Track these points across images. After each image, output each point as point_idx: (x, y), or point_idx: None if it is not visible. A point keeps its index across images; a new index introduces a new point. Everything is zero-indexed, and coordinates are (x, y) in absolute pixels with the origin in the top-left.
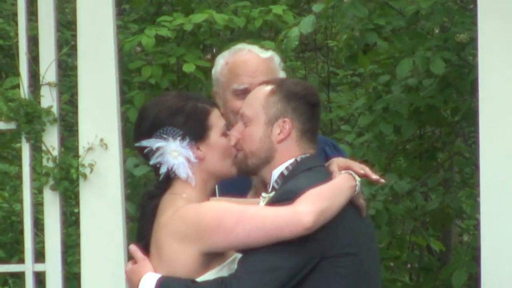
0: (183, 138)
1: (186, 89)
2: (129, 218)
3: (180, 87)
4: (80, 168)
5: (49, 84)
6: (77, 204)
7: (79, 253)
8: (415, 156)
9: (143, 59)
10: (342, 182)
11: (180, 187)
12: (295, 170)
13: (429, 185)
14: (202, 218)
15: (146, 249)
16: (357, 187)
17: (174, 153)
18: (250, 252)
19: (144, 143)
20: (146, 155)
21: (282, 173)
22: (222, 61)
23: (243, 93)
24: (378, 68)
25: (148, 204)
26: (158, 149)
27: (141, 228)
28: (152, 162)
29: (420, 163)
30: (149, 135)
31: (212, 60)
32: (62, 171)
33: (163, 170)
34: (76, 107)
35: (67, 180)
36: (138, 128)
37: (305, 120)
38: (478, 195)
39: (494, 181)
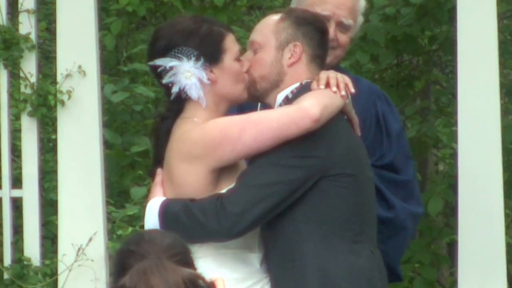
0: (197, 59)
1: (163, 17)
2: (106, 145)
3: (157, 15)
4: (58, 95)
5: (27, 11)
6: (55, 130)
7: (56, 180)
8: (392, 84)
9: None
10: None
11: (191, 110)
12: (300, 93)
13: (406, 114)
14: (206, 133)
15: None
16: (348, 96)
17: (187, 73)
18: (249, 168)
19: (158, 62)
20: (159, 74)
21: (286, 97)
22: None
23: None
24: None
25: (160, 127)
26: (171, 68)
27: (156, 152)
28: (165, 81)
29: (397, 92)
30: (163, 54)
31: None
32: (40, 97)
33: (175, 89)
34: (54, 34)
35: (45, 106)
36: (153, 47)
37: (315, 46)
38: (455, 124)
39: (471, 110)
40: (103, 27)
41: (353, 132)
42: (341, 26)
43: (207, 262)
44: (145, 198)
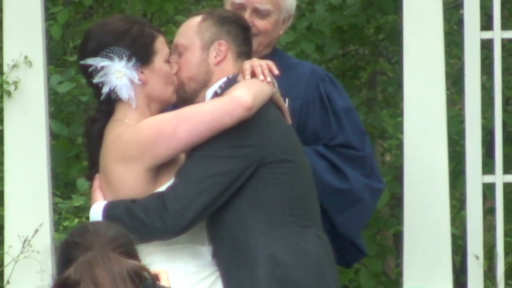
0: (129, 59)
1: (110, 7)
2: (53, 136)
3: (104, 5)
4: (4, 85)
5: None
6: (1, 121)
7: (2, 171)
8: (338, 75)
9: None
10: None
11: (122, 111)
12: (228, 87)
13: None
14: (140, 132)
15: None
16: (274, 83)
17: (118, 73)
18: (186, 162)
19: (89, 61)
20: (89, 74)
21: (215, 92)
22: None
23: (239, 8)
24: None
25: (91, 129)
26: (102, 68)
27: (90, 156)
28: (95, 80)
29: (343, 82)
30: (94, 54)
31: None
32: None
33: (105, 90)
34: (1, 24)
35: None
36: (84, 46)
37: (239, 43)
38: (401, 114)
39: (417, 100)
40: (49, 17)
41: (284, 119)
42: (257, 12)
43: (159, 257)
44: (91, 189)
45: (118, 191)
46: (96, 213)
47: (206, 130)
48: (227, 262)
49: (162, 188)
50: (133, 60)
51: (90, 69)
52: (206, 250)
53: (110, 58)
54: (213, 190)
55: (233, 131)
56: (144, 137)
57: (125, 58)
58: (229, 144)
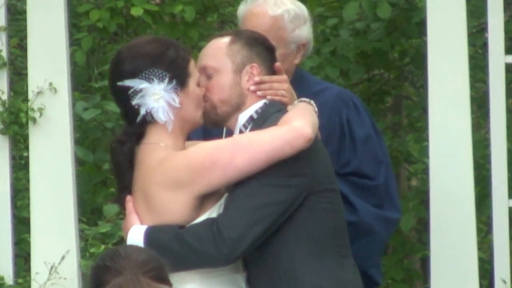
0: (169, 81)
1: (134, 33)
2: (78, 162)
3: (129, 31)
4: (30, 112)
5: None
6: (27, 148)
7: (28, 197)
8: (363, 99)
9: (91, 2)
10: (304, 105)
11: (156, 134)
12: (265, 112)
13: None
14: (193, 159)
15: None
16: (315, 109)
17: (155, 96)
18: (239, 190)
19: (128, 82)
20: (123, 96)
21: (251, 116)
22: (241, 6)
23: None
24: (326, 11)
25: (119, 152)
26: (141, 90)
27: (120, 179)
28: (134, 102)
29: (368, 107)
30: (131, 76)
31: (161, 4)
32: (12, 115)
33: (142, 112)
34: (25, 51)
35: (17, 124)
36: (117, 69)
37: (269, 65)
38: (426, 138)
39: (442, 124)
40: (73, 43)
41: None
42: None
43: (194, 285)
44: (118, 215)
45: (160, 216)
46: (135, 236)
47: (265, 160)
48: None
49: (205, 215)
50: (173, 82)
51: (130, 91)
52: (240, 278)
53: (149, 80)
54: (268, 219)
55: (288, 160)
56: (197, 163)
57: (165, 81)
58: (283, 173)
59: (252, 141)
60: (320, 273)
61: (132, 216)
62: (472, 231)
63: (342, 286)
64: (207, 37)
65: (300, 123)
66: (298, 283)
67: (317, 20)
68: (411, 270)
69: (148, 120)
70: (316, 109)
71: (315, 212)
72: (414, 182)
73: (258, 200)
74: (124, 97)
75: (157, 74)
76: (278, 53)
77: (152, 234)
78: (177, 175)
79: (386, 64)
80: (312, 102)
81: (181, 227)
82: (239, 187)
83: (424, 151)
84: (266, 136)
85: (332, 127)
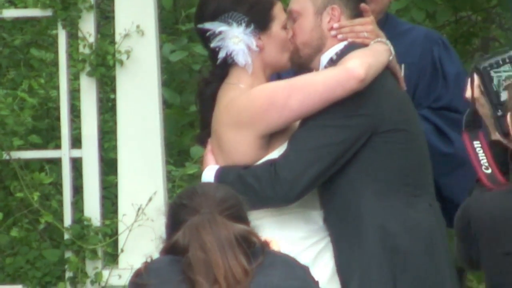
0: (248, 25)
1: None
2: (165, 104)
3: None
4: (117, 55)
5: None
6: (114, 90)
7: (115, 139)
8: (450, 41)
9: None
10: (377, 45)
11: (237, 76)
12: (343, 54)
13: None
14: (253, 100)
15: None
16: (391, 50)
17: (235, 39)
18: (298, 131)
19: (207, 25)
20: (206, 38)
21: (331, 58)
22: None
23: None
24: None
25: (204, 91)
26: (220, 33)
27: (202, 118)
28: (212, 45)
29: (456, 48)
30: (212, 18)
31: None
32: (99, 57)
33: (221, 54)
34: None
35: (104, 66)
36: (201, 11)
37: (352, 7)
38: None
39: None
40: None
41: (399, 86)
42: None
43: (269, 222)
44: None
45: (230, 156)
46: (208, 177)
47: (318, 101)
48: (337, 230)
49: (274, 153)
50: (252, 26)
51: (208, 33)
52: (318, 215)
53: (229, 24)
54: (324, 160)
55: (346, 101)
56: (256, 105)
57: (243, 24)
58: (342, 113)
59: (307, 83)
60: (384, 214)
61: (208, 157)
62: None
63: (409, 225)
64: None
65: (353, 64)
66: (362, 225)
67: None
68: None
69: (229, 62)
70: (392, 50)
71: (380, 153)
72: None
73: (315, 141)
74: (206, 39)
75: (235, 17)
76: None
77: (222, 175)
78: (238, 115)
79: (474, 6)
80: (388, 42)
81: (246, 167)
82: (299, 129)
83: None
84: (320, 77)
85: (424, 65)
